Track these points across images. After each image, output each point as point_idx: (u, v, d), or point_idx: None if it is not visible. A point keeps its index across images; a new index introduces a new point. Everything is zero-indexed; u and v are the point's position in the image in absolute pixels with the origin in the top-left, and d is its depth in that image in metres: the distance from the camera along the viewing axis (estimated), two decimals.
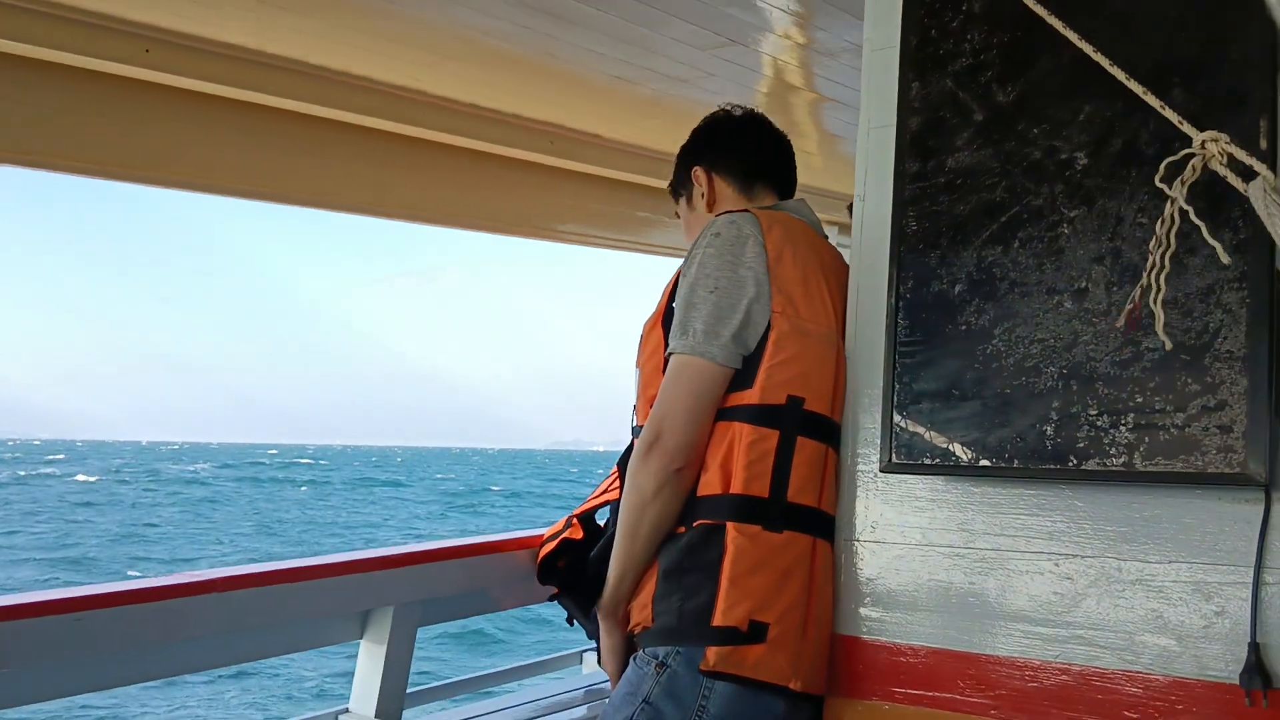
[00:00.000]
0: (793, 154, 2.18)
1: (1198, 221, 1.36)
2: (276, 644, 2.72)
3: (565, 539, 2.79)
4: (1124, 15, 1.61)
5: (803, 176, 2.26)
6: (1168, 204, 1.47)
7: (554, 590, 2.58)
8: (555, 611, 2.91)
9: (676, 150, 2.21)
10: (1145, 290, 1.49)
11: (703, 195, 2.12)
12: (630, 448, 2.01)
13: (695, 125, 2.19)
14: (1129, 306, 1.52)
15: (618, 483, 2.69)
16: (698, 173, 2.13)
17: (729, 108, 2.17)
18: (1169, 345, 1.46)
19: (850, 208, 2.99)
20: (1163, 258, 1.47)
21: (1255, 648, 1.48)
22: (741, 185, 2.10)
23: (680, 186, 2.18)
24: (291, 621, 2.61)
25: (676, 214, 2.23)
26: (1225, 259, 1.34)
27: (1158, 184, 1.41)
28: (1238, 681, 1.47)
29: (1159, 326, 1.41)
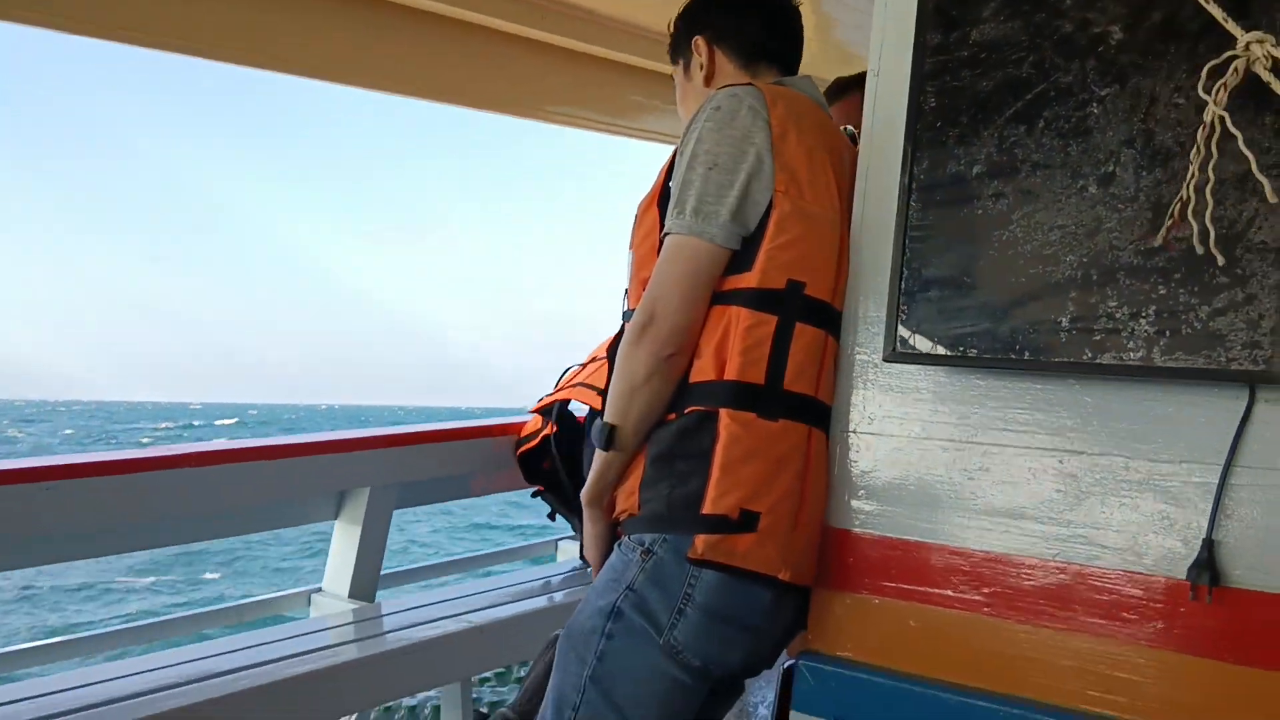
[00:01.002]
0: (802, 29, 2.06)
1: (1235, 132, 1.26)
2: (251, 521, 2.68)
3: (545, 436, 2.73)
4: None
5: None
6: (1207, 110, 1.38)
7: (538, 488, 2.53)
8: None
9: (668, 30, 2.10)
10: (1184, 203, 1.40)
11: (701, 67, 2.01)
12: (619, 335, 1.93)
13: None
14: (1168, 223, 1.44)
15: (595, 370, 2.62)
16: (699, 43, 2.00)
17: None
18: (1221, 260, 1.38)
19: (827, 93, 2.87)
20: (1203, 167, 1.38)
21: (1209, 544, 1.45)
22: (745, 63, 1.99)
23: (678, 52, 2.06)
24: (266, 499, 2.56)
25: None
26: (1272, 197, 1.25)
27: (1200, 94, 1.32)
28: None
29: (1201, 240, 1.33)
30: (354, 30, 3.18)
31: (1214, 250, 1.39)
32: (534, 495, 2.72)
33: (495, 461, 2.85)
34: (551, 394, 2.59)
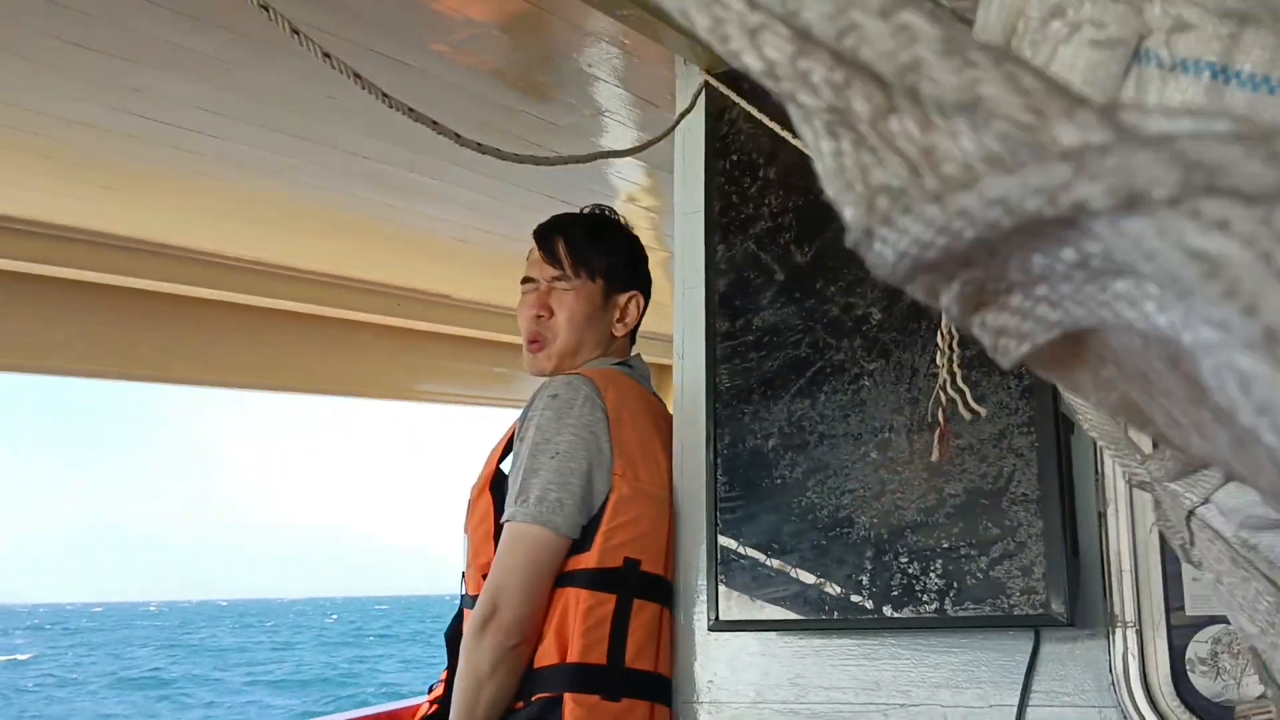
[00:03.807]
0: None
1: (958, 390, 1.40)
2: None
3: (425, 717, 2.67)
4: None
5: (648, 323, 2.21)
6: (938, 354, 1.53)
7: None
8: None
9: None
10: (944, 407, 1.52)
11: (621, 321, 1.98)
12: (456, 619, 1.94)
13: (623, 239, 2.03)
14: (938, 435, 1.56)
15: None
16: (637, 300, 2.00)
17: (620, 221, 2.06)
18: (983, 412, 1.47)
19: None
20: (947, 365, 1.51)
21: None
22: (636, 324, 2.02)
23: (588, 274, 1.96)
24: None
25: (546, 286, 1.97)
26: (980, 412, 1.37)
27: (937, 341, 1.47)
28: None
29: (964, 409, 1.43)
30: (214, 336, 3.29)
31: (975, 406, 1.47)
32: None
33: None
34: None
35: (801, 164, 1.76)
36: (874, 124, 0.32)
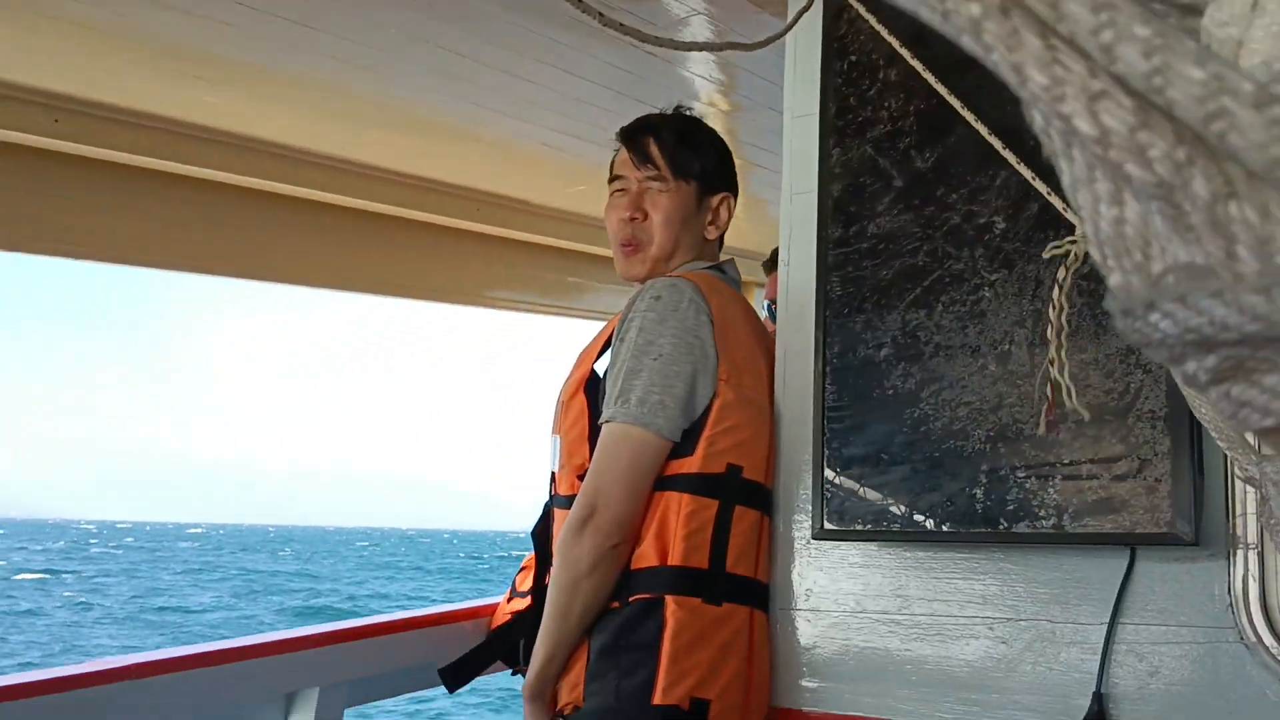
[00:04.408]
0: None
1: (1062, 324, 1.36)
2: None
3: (516, 613, 2.71)
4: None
5: (730, 239, 2.23)
6: (1055, 290, 1.49)
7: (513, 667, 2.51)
8: None
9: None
10: (1055, 387, 1.49)
11: (713, 224, 1.96)
12: (543, 518, 1.94)
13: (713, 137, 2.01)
14: (1044, 408, 1.53)
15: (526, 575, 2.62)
16: (728, 202, 1.98)
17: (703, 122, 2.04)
18: (1088, 416, 1.46)
19: (765, 265, 3.00)
20: (1058, 348, 1.48)
21: (1099, 697, 1.51)
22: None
23: (698, 181, 1.94)
24: (209, 709, 2.50)
25: (643, 186, 1.93)
26: (1084, 415, 1.33)
27: (1049, 314, 1.43)
28: None
29: (1067, 397, 1.41)
30: (300, 234, 3.30)
31: (1079, 407, 1.46)
32: (513, 674, 2.69)
33: (451, 648, 2.82)
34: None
35: (927, 67, 1.70)
36: (1211, 206, 0.31)
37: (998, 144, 1.42)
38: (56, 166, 2.79)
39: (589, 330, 2.07)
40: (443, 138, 3.20)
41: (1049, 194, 1.39)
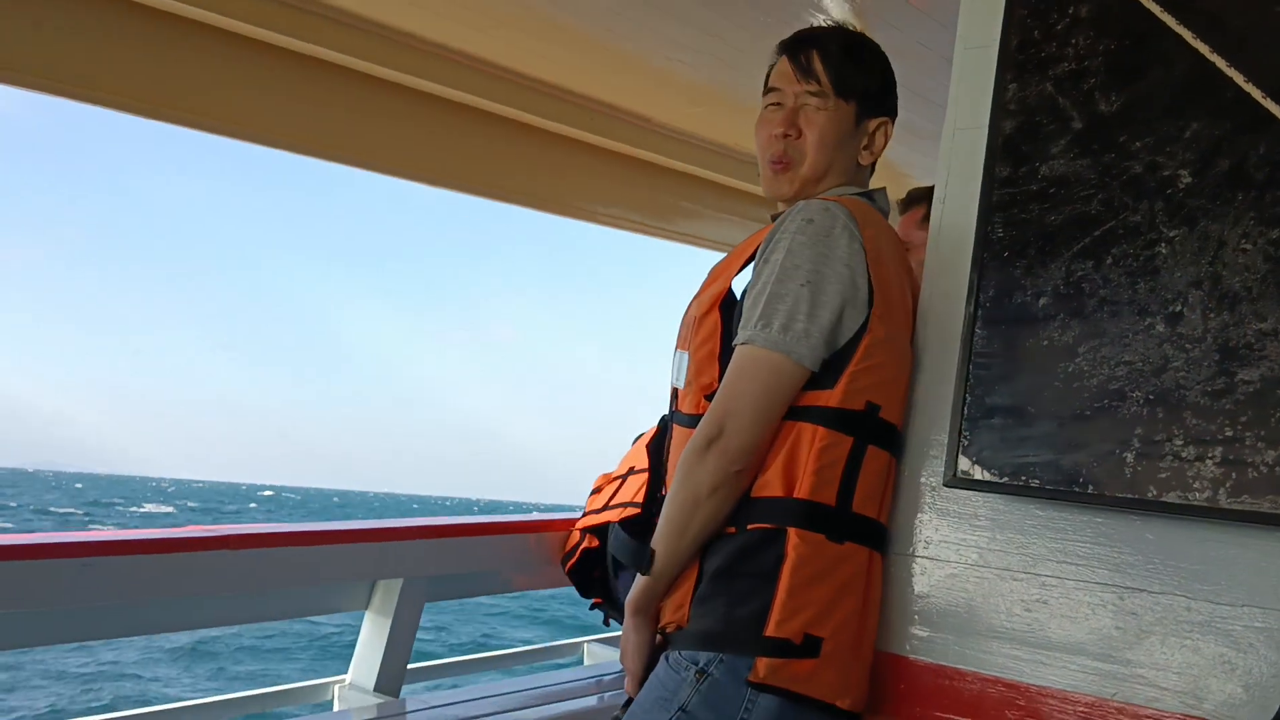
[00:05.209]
0: None
1: None
2: (283, 607, 2.66)
3: (585, 550, 2.71)
4: (1244, 29, 1.53)
5: None
6: None
7: (595, 599, 2.52)
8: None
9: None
10: None
11: (868, 149, 1.87)
12: (661, 432, 1.91)
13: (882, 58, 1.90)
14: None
15: (629, 488, 2.60)
16: (887, 127, 1.89)
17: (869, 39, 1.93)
18: None
19: (900, 204, 2.91)
20: None
21: None
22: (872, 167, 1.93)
23: (858, 101, 1.85)
24: (299, 585, 2.54)
25: (803, 104, 1.84)
26: None
27: None
28: None
29: None
30: (416, 127, 3.26)
31: None
32: (591, 608, 2.70)
33: (533, 557, 2.83)
34: (597, 513, 2.58)
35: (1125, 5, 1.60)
36: None
37: (1221, 63, 1.33)
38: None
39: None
40: (568, 42, 3.13)
41: None
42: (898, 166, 3.86)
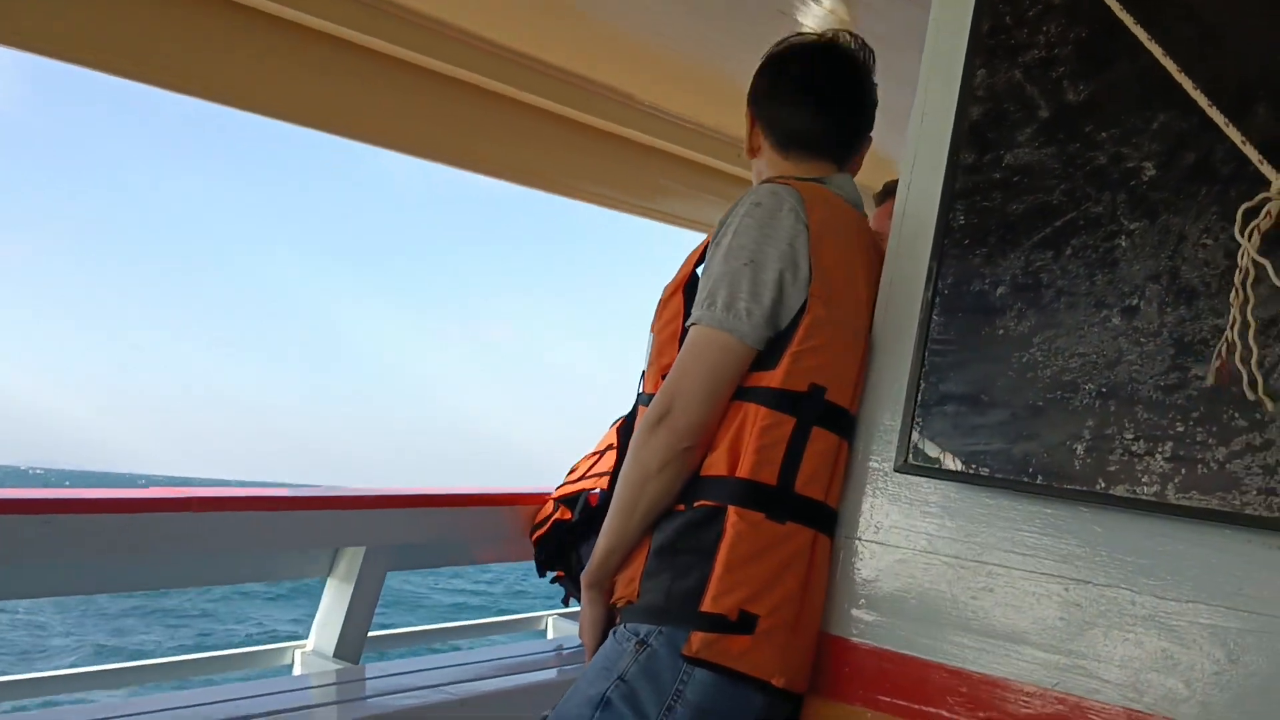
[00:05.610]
0: (862, 115, 1.97)
1: (1276, 280, 1.28)
2: (245, 571, 2.66)
3: (556, 520, 2.71)
4: (1213, 28, 1.52)
5: None
6: (1241, 253, 1.41)
7: (557, 573, 2.52)
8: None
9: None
10: (1231, 347, 1.41)
11: (748, 136, 1.98)
12: (632, 415, 1.92)
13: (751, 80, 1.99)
14: (1216, 363, 1.44)
15: (606, 461, 2.62)
16: (748, 113, 1.98)
17: (805, 41, 1.96)
18: (1270, 407, 1.38)
19: (876, 197, 2.90)
20: (1244, 311, 1.39)
21: None
22: (781, 149, 1.94)
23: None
24: (262, 550, 2.54)
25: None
26: (1268, 405, 1.26)
27: (1236, 236, 1.34)
28: None
29: (1249, 388, 1.33)
30: (398, 96, 3.23)
31: (1262, 396, 1.39)
32: (552, 581, 2.70)
33: (500, 531, 2.83)
34: (573, 483, 2.58)
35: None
36: None
37: (1187, 83, 1.32)
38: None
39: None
40: (550, 12, 3.09)
41: (1243, 144, 1.29)
42: (883, 155, 3.84)
